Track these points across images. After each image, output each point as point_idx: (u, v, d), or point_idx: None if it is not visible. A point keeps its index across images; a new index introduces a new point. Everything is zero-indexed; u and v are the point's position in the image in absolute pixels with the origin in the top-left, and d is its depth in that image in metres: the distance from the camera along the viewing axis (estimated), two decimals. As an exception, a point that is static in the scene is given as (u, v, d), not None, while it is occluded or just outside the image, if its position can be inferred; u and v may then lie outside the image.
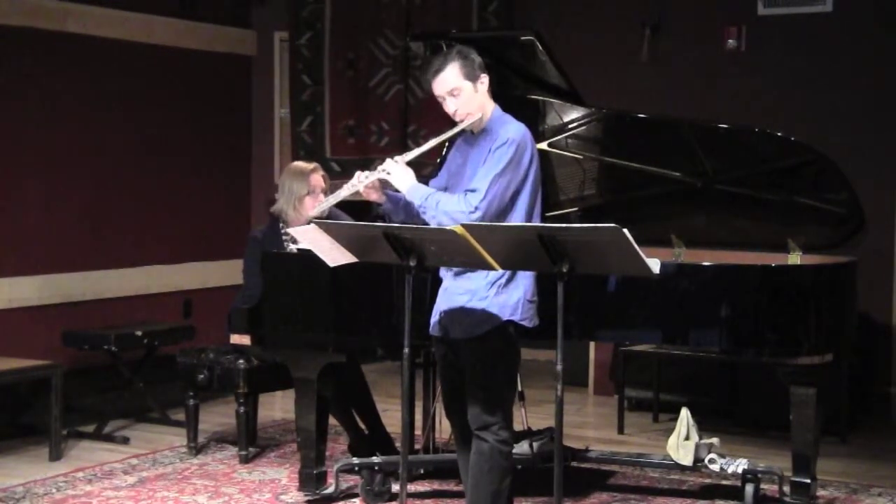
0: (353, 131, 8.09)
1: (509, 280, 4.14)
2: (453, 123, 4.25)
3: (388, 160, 4.26)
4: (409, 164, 4.26)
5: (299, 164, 5.68)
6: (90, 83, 7.15)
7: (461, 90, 4.16)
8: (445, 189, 4.30)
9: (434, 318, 4.29)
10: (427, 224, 4.15)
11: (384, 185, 4.30)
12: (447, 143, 4.59)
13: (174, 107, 7.70)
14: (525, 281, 4.17)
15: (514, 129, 4.15)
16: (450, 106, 4.20)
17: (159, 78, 7.60)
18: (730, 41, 7.17)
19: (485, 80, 4.19)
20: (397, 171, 4.23)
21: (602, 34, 7.53)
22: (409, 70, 7.82)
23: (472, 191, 4.07)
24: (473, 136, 4.24)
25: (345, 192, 4.31)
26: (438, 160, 5.14)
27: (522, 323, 4.17)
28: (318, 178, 5.49)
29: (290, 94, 8.25)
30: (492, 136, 4.15)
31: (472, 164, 4.20)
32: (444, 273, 4.29)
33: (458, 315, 4.18)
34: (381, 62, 7.97)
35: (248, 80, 8.36)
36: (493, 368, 4.17)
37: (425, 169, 4.59)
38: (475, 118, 4.18)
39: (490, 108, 4.23)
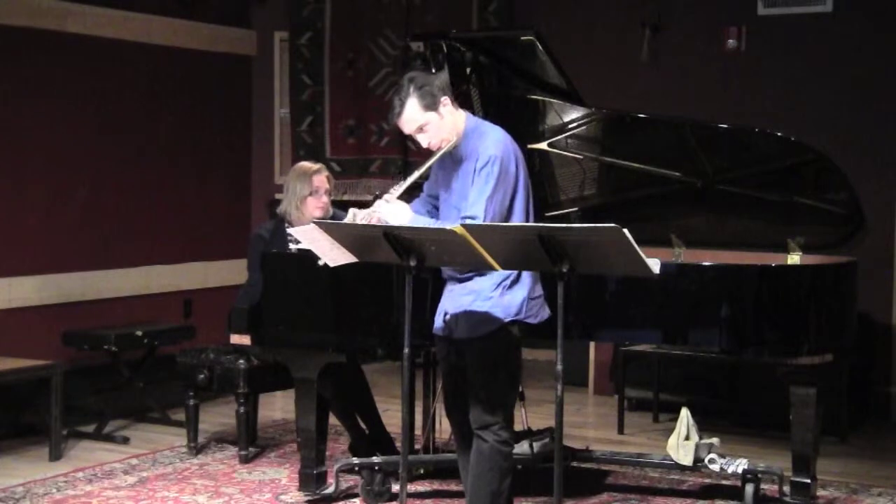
0: (353, 131, 8.09)
1: (514, 281, 4.15)
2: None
3: (379, 201, 4.26)
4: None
5: (304, 164, 5.71)
6: (90, 83, 7.14)
7: (427, 123, 4.12)
8: (434, 195, 4.32)
9: (439, 317, 4.30)
10: None
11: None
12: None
13: (174, 107, 7.70)
14: (526, 279, 4.17)
15: (493, 143, 4.12)
16: (422, 141, 4.17)
17: (159, 78, 7.60)
18: (730, 41, 7.17)
19: (447, 101, 4.14)
20: (391, 210, 4.22)
21: (602, 34, 7.53)
22: (409, 70, 7.81)
23: (472, 217, 4.05)
24: (455, 149, 4.22)
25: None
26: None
27: (528, 321, 4.17)
28: (321, 179, 5.52)
29: (290, 94, 8.25)
30: (473, 153, 4.12)
31: (460, 179, 4.18)
32: (448, 277, 4.29)
33: (462, 315, 4.18)
34: (381, 62, 7.97)
35: (248, 80, 8.36)
36: (495, 368, 4.17)
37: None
38: (451, 142, 4.16)
39: (461, 122, 4.19)
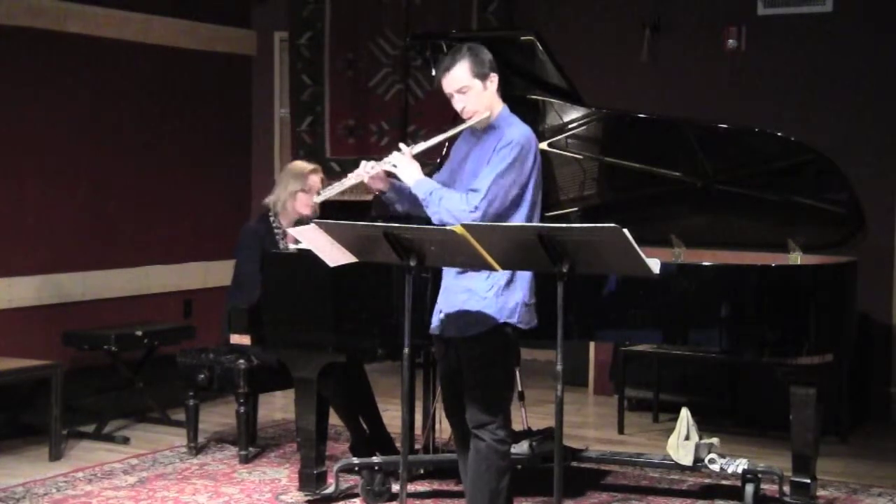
0: (353, 131, 8.09)
1: (509, 283, 4.15)
2: (456, 122, 4.25)
3: (396, 152, 4.28)
4: (415, 156, 4.28)
5: (300, 162, 5.85)
6: (90, 83, 7.14)
7: (470, 88, 4.16)
8: (446, 184, 4.31)
9: (435, 316, 4.30)
10: (429, 217, 4.17)
11: (389, 174, 4.32)
12: (447, 141, 4.59)
13: (174, 107, 7.70)
14: (523, 284, 4.17)
15: (518, 131, 4.16)
16: (458, 103, 4.20)
17: (159, 78, 7.60)
18: (730, 41, 7.17)
19: (494, 78, 4.19)
20: (404, 164, 4.25)
21: (602, 34, 7.53)
22: (409, 70, 7.82)
23: (474, 190, 4.08)
24: (479, 132, 4.24)
25: (350, 181, 4.32)
26: (439, 160, 5.13)
27: (518, 326, 4.17)
28: (315, 179, 5.64)
29: (290, 94, 8.25)
30: (497, 135, 4.16)
31: (474, 160, 4.21)
32: (446, 271, 4.30)
33: (455, 314, 4.19)
34: (381, 62, 7.98)
35: (248, 80, 8.36)
36: (489, 368, 4.17)
37: (424, 168, 4.58)
38: (482, 116, 4.19)
39: (498, 107, 4.23)
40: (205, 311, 7.58)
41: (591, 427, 6.73)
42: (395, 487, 4.73)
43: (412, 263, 4.01)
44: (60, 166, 6.97)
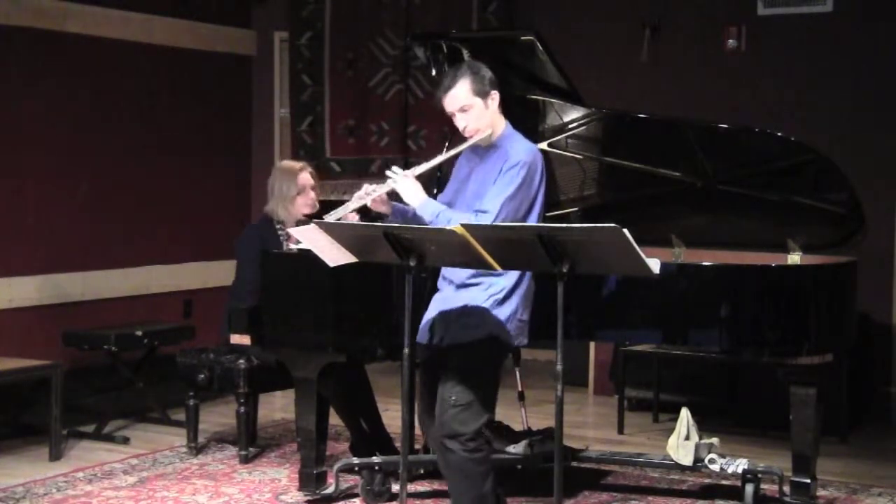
0: (353, 131, 8.09)
1: (506, 297, 4.16)
2: (456, 140, 4.25)
3: (397, 174, 4.26)
4: (417, 177, 4.27)
5: (287, 163, 5.82)
6: (90, 83, 7.15)
7: (472, 107, 4.16)
8: (450, 204, 4.31)
9: (424, 325, 4.30)
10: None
11: (391, 195, 4.31)
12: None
13: (174, 107, 7.70)
14: (519, 299, 4.19)
15: (524, 150, 4.16)
16: (460, 122, 4.20)
17: (159, 78, 7.60)
18: (730, 41, 7.17)
19: (495, 96, 4.20)
20: (407, 186, 4.23)
21: (602, 34, 7.53)
22: (409, 70, 7.82)
23: (484, 212, 4.08)
24: (481, 150, 4.24)
25: (353, 204, 4.31)
26: (439, 178, 5.11)
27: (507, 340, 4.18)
28: (306, 177, 5.62)
29: (290, 94, 8.25)
30: (501, 153, 4.16)
31: (478, 177, 4.21)
32: (444, 285, 4.30)
33: (449, 322, 4.19)
34: (381, 62, 7.97)
35: (248, 80, 8.37)
36: (474, 377, 4.16)
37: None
38: (485, 134, 4.19)
39: (501, 124, 4.24)
40: (205, 311, 7.58)
41: (591, 427, 6.73)
42: (395, 487, 4.72)
43: (412, 263, 4.01)
44: (60, 166, 6.97)
